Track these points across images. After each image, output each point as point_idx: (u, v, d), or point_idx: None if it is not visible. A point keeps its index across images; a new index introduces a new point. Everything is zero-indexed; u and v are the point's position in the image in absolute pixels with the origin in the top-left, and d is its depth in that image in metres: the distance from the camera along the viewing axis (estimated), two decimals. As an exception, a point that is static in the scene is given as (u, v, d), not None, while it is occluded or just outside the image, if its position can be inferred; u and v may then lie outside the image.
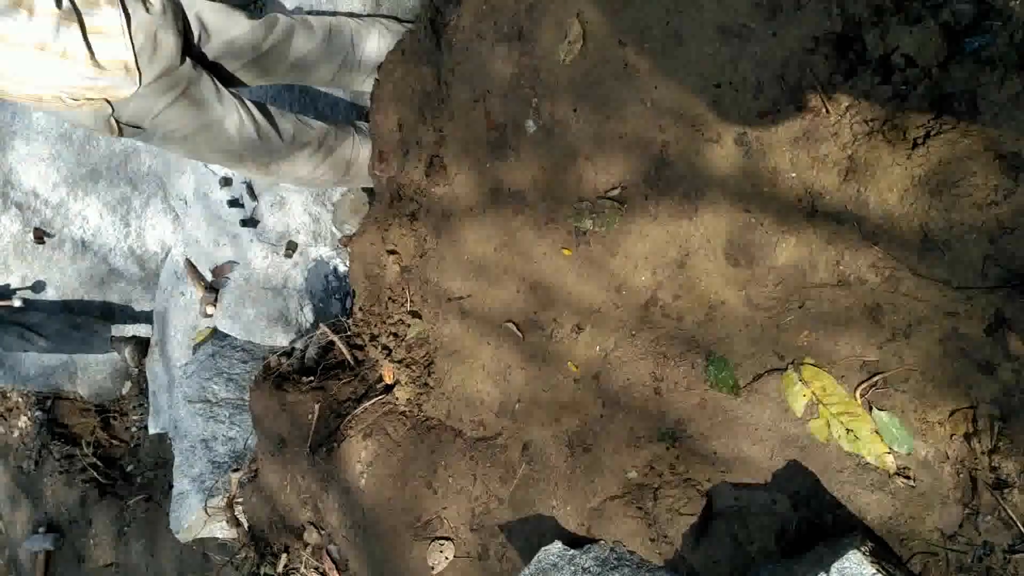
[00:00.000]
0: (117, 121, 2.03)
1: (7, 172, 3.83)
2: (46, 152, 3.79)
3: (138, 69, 1.93)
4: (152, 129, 2.10)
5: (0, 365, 4.50)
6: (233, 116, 2.20)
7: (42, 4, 1.79)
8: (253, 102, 2.29)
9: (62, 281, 4.11)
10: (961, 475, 1.41)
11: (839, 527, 1.51)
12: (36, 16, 1.79)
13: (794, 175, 1.49)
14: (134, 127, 2.07)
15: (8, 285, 4.10)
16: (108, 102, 1.98)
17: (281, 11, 2.30)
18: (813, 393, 1.52)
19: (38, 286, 4.11)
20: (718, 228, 1.60)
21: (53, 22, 1.81)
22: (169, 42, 1.98)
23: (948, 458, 1.42)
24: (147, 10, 1.92)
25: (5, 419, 4.99)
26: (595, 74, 1.76)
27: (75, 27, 1.84)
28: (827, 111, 1.43)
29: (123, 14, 1.88)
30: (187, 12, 2.05)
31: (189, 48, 2.07)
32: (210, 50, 2.13)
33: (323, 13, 2.45)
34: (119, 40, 1.89)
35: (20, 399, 4.93)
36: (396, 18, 2.50)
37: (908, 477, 1.46)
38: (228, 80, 2.23)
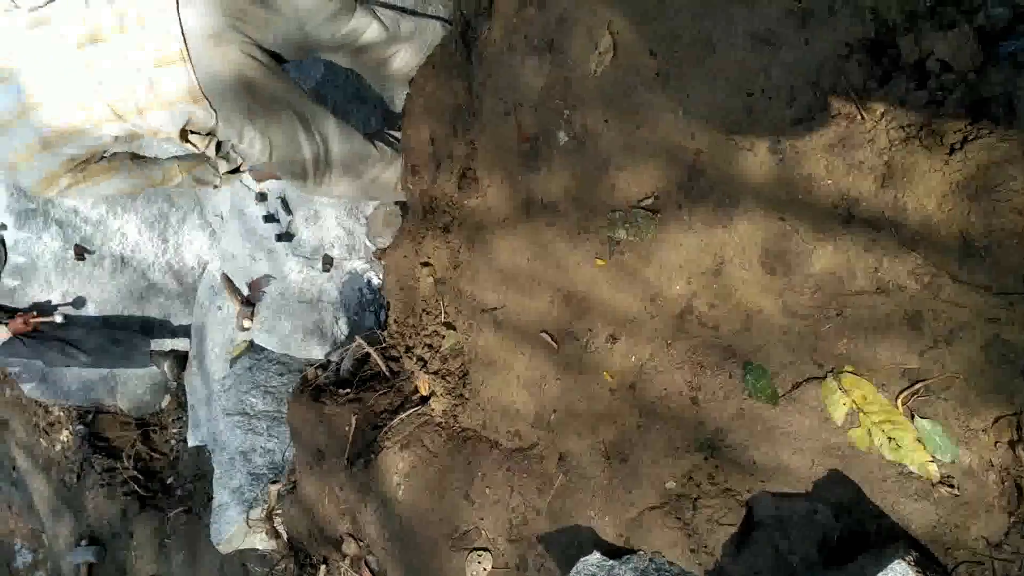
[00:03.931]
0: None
1: (48, 191, 3.91)
2: (85, 170, 3.86)
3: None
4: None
5: (42, 380, 4.58)
6: (287, 130, 2.22)
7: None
8: (304, 113, 2.29)
9: (102, 297, 4.18)
10: (1006, 483, 1.39)
11: (882, 537, 1.49)
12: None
13: (830, 182, 1.48)
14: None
15: (49, 301, 4.19)
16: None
17: None
18: (853, 401, 1.50)
19: (79, 302, 4.20)
20: (753, 236, 1.60)
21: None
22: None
23: (992, 466, 1.40)
24: None
25: (47, 433, 5.08)
26: (626, 84, 1.77)
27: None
28: (862, 117, 1.42)
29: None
30: None
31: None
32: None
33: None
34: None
35: (62, 414, 5.02)
36: (435, 16, 2.47)
37: (952, 486, 1.44)
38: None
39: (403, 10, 2.44)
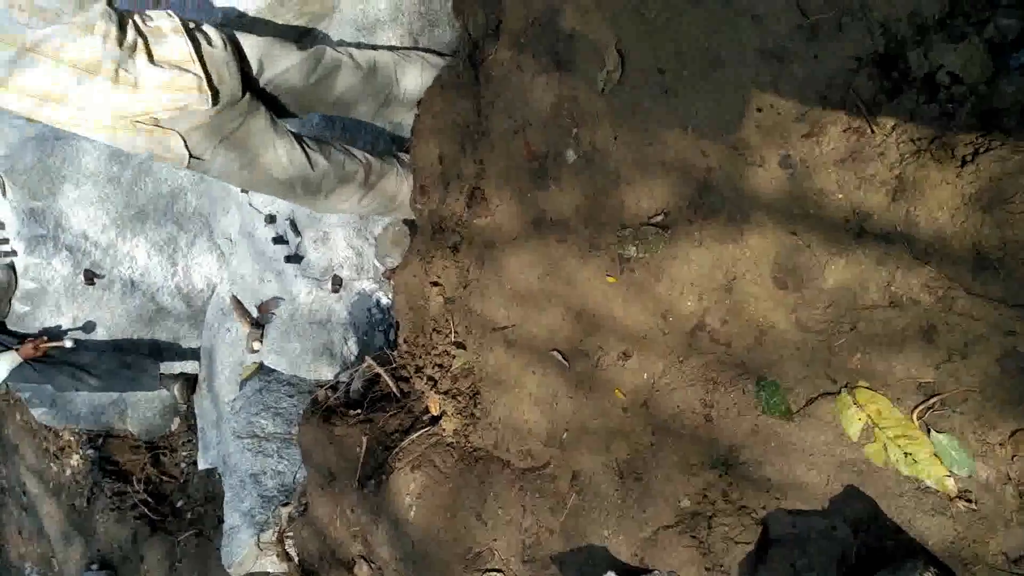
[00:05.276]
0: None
1: (58, 216, 3.94)
2: (95, 195, 3.89)
3: (211, 88, 2.01)
4: (212, 159, 2.17)
5: (52, 405, 4.59)
6: (286, 147, 2.26)
7: (112, 33, 1.87)
8: (303, 136, 2.35)
9: (112, 321, 4.19)
10: (1025, 497, 1.38)
11: (901, 553, 1.48)
12: (108, 43, 1.86)
13: (841, 196, 1.48)
14: (196, 158, 2.14)
15: (59, 326, 4.20)
16: (180, 135, 2.05)
17: (327, 45, 2.36)
18: (868, 416, 1.50)
19: (88, 326, 4.21)
20: (765, 251, 1.59)
21: (124, 52, 1.88)
22: (232, 75, 2.05)
23: (1010, 479, 1.39)
24: (210, 44, 2.01)
25: (58, 458, 5.09)
26: (634, 101, 1.77)
27: (143, 56, 1.91)
28: (872, 131, 1.42)
29: (190, 42, 1.97)
30: (243, 45, 2.12)
31: (248, 81, 2.13)
32: (262, 84, 2.19)
33: (364, 47, 2.50)
34: (189, 66, 1.97)
35: (72, 438, 5.02)
36: (435, 51, 2.54)
37: (970, 500, 1.42)
38: (280, 113, 2.28)
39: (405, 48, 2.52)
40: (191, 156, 2.13)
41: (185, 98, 1.99)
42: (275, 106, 2.27)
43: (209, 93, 2.00)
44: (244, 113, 2.13)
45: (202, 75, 1.98)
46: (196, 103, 2.01)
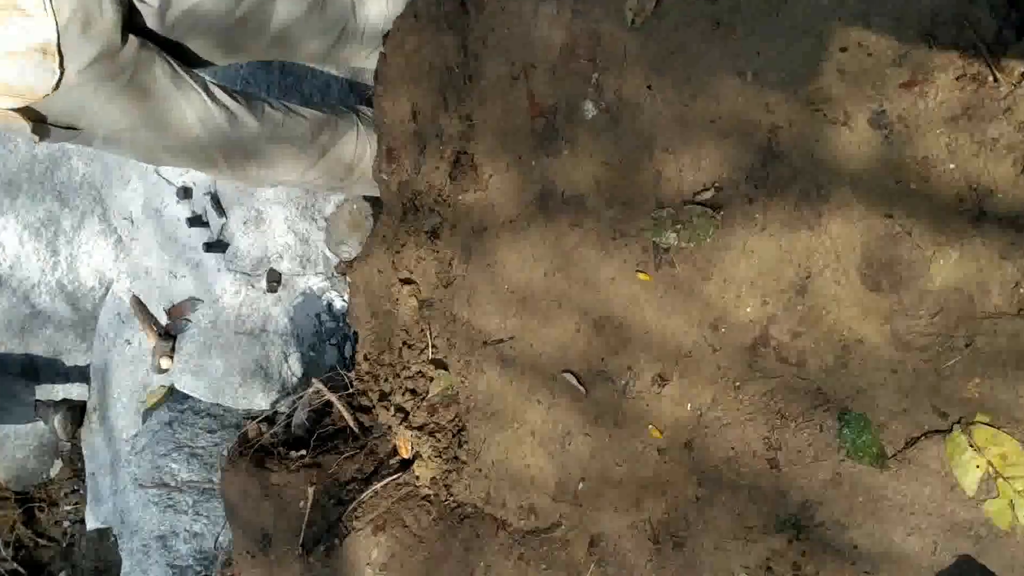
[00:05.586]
0: (42, 121, 2.06)
1: (-102, 188, 3.93)
2: (-52, 161, 3.88)
3: (59, 53, 1.95)
4: (91, 129, 2.14)
5: None
6: (196, 107, 2.24)
7: None
8: (222, 87, 2.33)
9: (-30, 329, 4.19)
10: None
11: (1032, 646, 1.48)
12: None
13: (953, 166, 1.48)
14: (67, 128, 2.11)
15: (-100, 336, 4.19)
16: (20, 112, 2.01)
17: None
18: (989, 463, 1.50)
19: (-60, 337, 4.20)
20: (850, 240, 1.59)
21: None
22: (106, 15, 2.00)
23: None
24: None
25: (-102, 513, 5.09)
26: (675, 39, 1.77)
27: None
28: (995, 79, 1.42)
29: None
30: None
31: (136, 21, 2.11)
32: (167, 22, 2.16)
33: None
34: (36, 16, 1.91)
35: (-83, 486, 5.02)
36: None
37: (1125, 576, 1.43)
38: (191, 60, 2.27)
39: None
40: (55, 127, 2.09)
41: (22, 76, 1.94)
42: (183, 53, 2.25)
43: (58, 58, 1.95)
44: (131, 65, 2.09)
45: (53, 32, 1.92)
46: (38, 78, 1.97)
